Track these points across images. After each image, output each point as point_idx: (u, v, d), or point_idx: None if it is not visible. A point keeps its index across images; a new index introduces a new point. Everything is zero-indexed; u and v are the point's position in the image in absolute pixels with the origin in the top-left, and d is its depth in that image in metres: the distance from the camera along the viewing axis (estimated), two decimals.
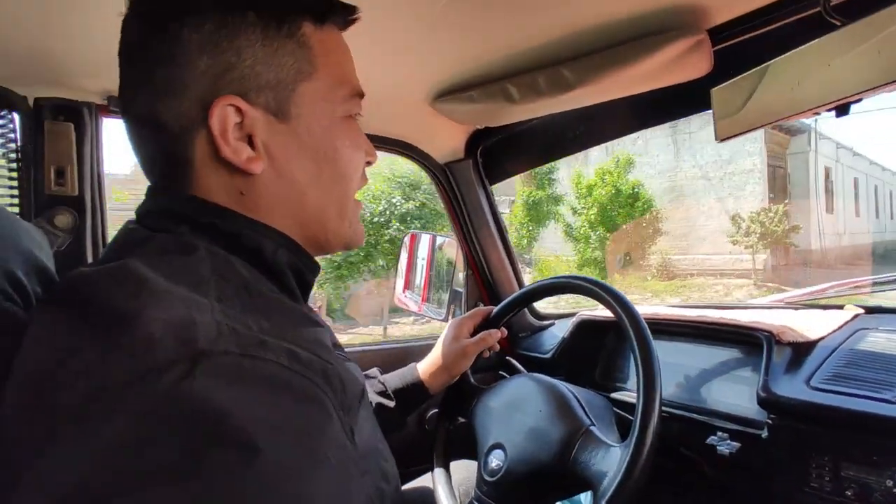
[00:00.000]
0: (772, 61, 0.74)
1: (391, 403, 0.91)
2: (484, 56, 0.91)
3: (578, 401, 0.85)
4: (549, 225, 12.17)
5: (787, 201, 12.85)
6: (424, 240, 1.48)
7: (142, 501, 0.28)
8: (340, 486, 0.37)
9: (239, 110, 0.46)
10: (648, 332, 0.76)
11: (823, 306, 1.06)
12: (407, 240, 1.50)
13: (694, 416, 0.97)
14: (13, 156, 0.87)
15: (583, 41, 0.84)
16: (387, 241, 7.88)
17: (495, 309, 1.03)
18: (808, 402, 0.77)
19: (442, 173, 1.26)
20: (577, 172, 12.31)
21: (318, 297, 8.30)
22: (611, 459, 0.72)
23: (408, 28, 0.80)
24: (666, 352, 1.10)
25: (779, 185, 14.41)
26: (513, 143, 1.21)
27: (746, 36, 0.80)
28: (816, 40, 0.69)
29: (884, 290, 1.04)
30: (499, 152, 1.23)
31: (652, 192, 14.14)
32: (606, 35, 0.83)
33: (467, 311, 1.33)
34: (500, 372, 1.22)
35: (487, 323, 1.03)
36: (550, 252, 13.32)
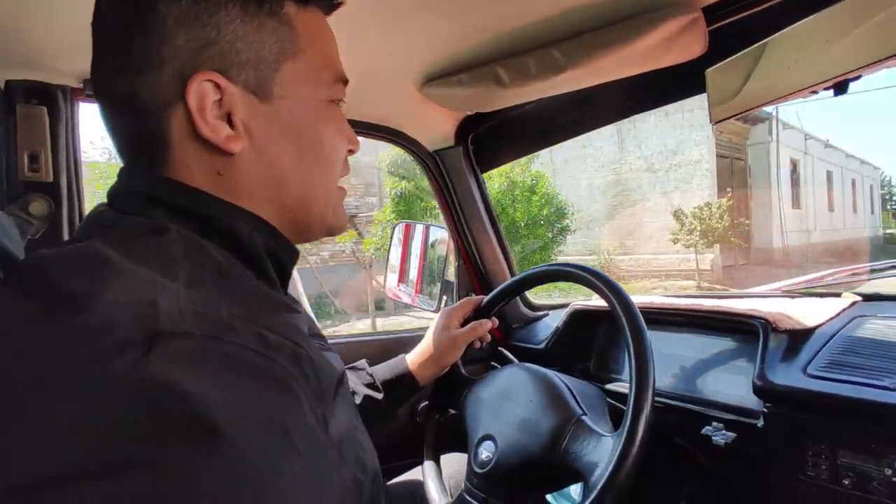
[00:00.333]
0: (767, 39, 0.72)
1: (380, 395, 0.89)
2: (472, 38, 0.89)
3: (570, 390, 0.83)
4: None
5: (729, 191, 11.88)
6: (418, 230, 1.46)
7: (96, 488, 0.27)
8: (310, 474, 0.35)
9: (218, 87, 0.44)
10: (641, 319, 0.74)
11: (820, 294, 1.04)
12: (399, 230, 1.47)
13: (689, 406, 0.95)
14: None
15: (573, 21, 0.82)
16: None
17: (486, 298, 1.01)
18: (805, 389, 0.75)
19: (432, 161, 1.24)
20: None
21: None
22: (602, 450, 0.70)
23: (394, 10, 0.78)
24: (661, 342, 1.09)
25: (737, 178, 13.43)
26: (504, 130, 1.19)
27: (741, 14, 0.78)
28: (813, 16, 0.67)
29: (882, 278, 1.03)
30: (490, 139, 1.21)
31: (596, 187, 13.56)
32: (597, 14, 0.80)
33: (458, 300, 1.31)
34: (493, 363, 1.20)
35: (478, 313, 1.01)
36: None
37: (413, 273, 1.44)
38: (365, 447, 0.57)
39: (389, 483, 1.05)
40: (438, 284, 1.35)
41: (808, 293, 1.08)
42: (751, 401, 0.84)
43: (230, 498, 0.29)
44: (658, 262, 12.42)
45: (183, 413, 0.30)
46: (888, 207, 34.35)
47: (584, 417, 0.77)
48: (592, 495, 0.66)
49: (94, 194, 4.84)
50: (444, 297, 1.37)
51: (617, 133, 13.15)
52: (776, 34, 0.72)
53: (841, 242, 16.99)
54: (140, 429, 0.29)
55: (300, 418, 0.36)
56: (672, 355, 1.06)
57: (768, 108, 13.46)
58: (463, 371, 1.02)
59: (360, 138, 1.10)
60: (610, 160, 13.53)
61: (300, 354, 0.40)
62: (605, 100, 1.03)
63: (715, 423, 0.88)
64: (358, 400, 0.86)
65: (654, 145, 12.73)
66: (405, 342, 1.13)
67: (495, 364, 1.21)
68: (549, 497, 1.04)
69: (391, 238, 1.41)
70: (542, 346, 1.23)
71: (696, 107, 11.39)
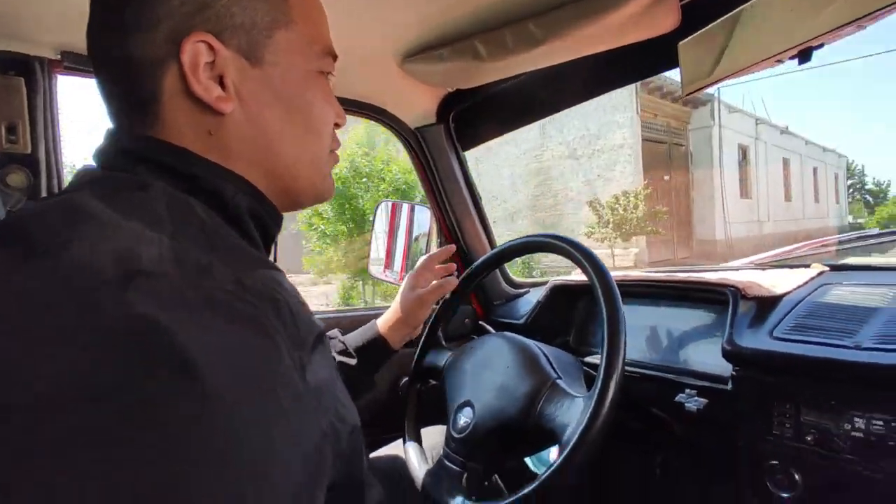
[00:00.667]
0: (736, 10, 0.74)
1: (353, 361, 0.91)
2: (451, 12, 0.89)
3: (546, 356, 0.85)
4: None
5: (666, 179, 11.50)
6: (404, 210, 1.47)
7: (70, 415, 0.28)
8: (286, 413, 0.36)
9: (211, 49, 0.45)
10: (614, 284, 0.76)
11: (791, 266, 1.07)
12: (385, 209, 1.48)
13: (664, 375, 0.98)
14: None
15: None
16: None
17: (462, 277, 1.03)
18: (770, 351, 0.77)
19: (413, 138, 1.25)
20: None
21: None
22: (574, 410, 0.72)
23: None
24: (637, 315, 1.11)
25: (677, 165, 12.55)
26: (485, 108, 1.20)
27: None
28: None
29: (850, 247, 1.06)
30: (471, 117, 1.22)
31: (518, 176, 12.44)
32: None
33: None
34: (473, 337, 1.22)
35: (461, 286, 1.02)
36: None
37: (399, 252, 1.45)
38: (344, 402, 0.58)
39: (372, 455, 1.07)
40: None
41: (780, 265, 1.11)
42: (722, 367, 0.87)
43: (204, 429, 0.30)
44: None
45: (158, 345, 0.30)
46: (858, 196, 34.01)
47: (558, 381, 0.79)
48: (564, 454, 0.68)
49: None
50: None
51: None
52: (745, 5, 0.74)
53: (800, 233, 15.83)
54: (115, 359, 0.29)
55: (277, 361, 0.37)
56: (648, 327, 1.09)
57: (710, 90, 12.58)
58: (444, 343, 1.04)
59: None
60: (531, 147, 12.39)
61: (278, 301, 0.41)
62: (582, 76, 1.05)
63: (688, 391, 0.90)
64: None
65: (576, 129, 11.79)
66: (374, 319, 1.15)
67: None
68: (527, 460, 1.06)
69: (374, 217, 1.41)
70: (522, 320, 1.25)
71: None
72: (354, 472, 0.60)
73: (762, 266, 1.13)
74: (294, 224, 8.58)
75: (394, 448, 1.08)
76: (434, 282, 0.99)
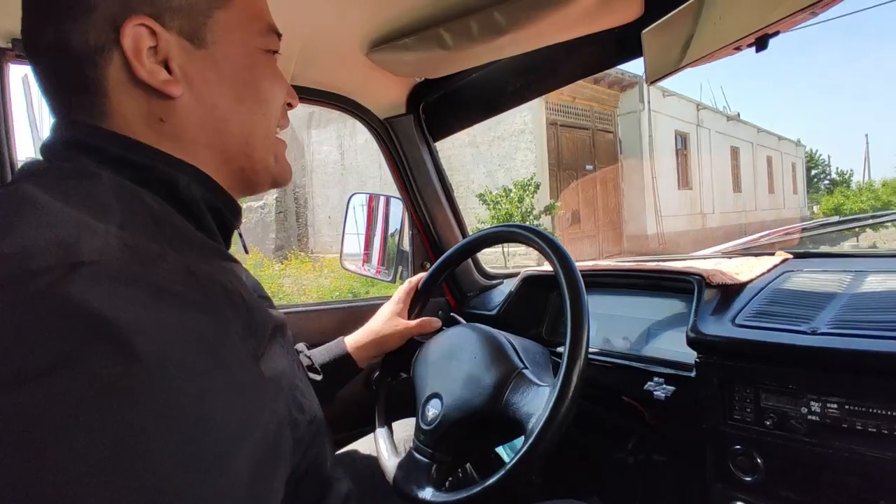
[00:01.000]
0: None
1: (318, 377, 0.91)
2: (415, 1, 0.88)
3: (513, 346, 0.85)
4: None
5: (544, 175, 9.95)
6: (381, 201, 1.46)
7: (7, 398, 0.27)
8: (237, 391, 0.36)
9: (153, 33, 0.44)
10: (578, 273, 0.76)
11: (756, 254, 1.09)
12: (360, 200, 1.47)
13: (633, 364, 0.99)
14: None
15: None
16: None
17: (425, 276, 1.02)
18: (731, 338, 0.79)
19: (383, 129, 1.23)
20: None
21: None
22: (539, 399, 0.73)
23: None
24: (606, 304, 1.12)
25: (603, 152, 11.39)
26: (455, 98, 1.19)
27: None
28: None
29: (813, 234, 1.08)
30: (441, 107, 1.21)
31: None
32: None
33: (414, 271, 1.32)
34: (445, 329, 1.22)
35: (418, 293, 1.02)
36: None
37: (376, 244, 1.45)
38: (305, 393, 0.58)
39: (344, 449, 1.06)
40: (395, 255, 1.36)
41: (745, 253, 1.12)
42: (687, 354, 0.88)
43: (146, 408, 0.30)
44: (484, 259, 10.12)
45: (97, 331, 0.30)
46: (823, 186, 33.75)
47: (524, 371, 0.80)
48: (528, 442, 0.68)
49: None
50: (400, 268, 1.38)
51: None
52: None
53: (751, 225, 14.88)
54: (51, 345, 0.29)
55: (228, 345, 0.37)
56: (617, 316, 1.09)
57: (636, 71, 11.56)
58: (416, 337, 1.03)
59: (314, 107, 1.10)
60: None
61: (230, 290, 0.41)
62: (549, 66, 1.05)
63: (656, 378, 0.91)
64: None
65: None
66: (365, 311, 1.14)
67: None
68: (500, 449, 1.07)
69: (346, 209, 1.40)
70: (494, 311, 1.25)
71: None
72: (319, 464, 0.60)
73: (729, 254, 1.14)
74: None
75: (365, 442, 1.07)
76: (418, 320, 0.99)
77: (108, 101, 0.45)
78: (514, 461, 0.68)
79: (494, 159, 10.65)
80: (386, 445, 0.94)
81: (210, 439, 0.32)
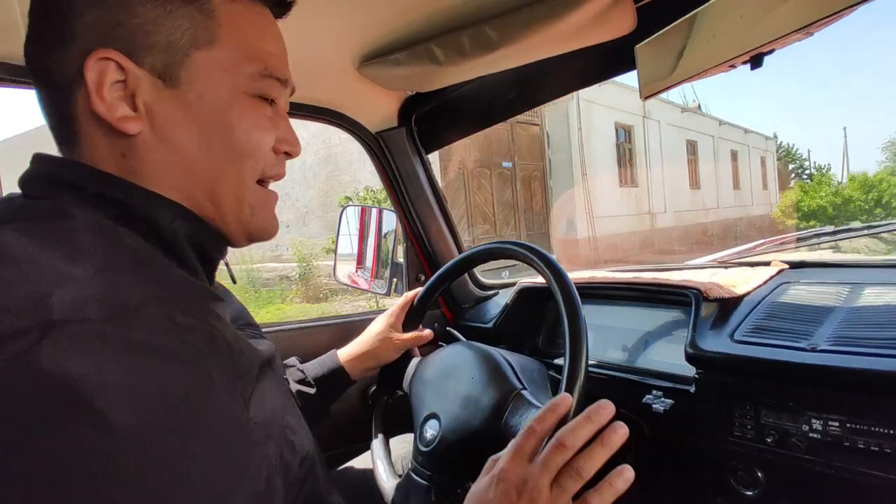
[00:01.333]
0: (690, 13, 0.73)
1: (312, 391, 0.90)
2: (407, 16, 0.87)
3: (511, 366, 0.84)
4: None
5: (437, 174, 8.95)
6: (372, 214, 1.45)
7: None
8: (221, 448, 0.35)
9: (121, 68, 0.44)
10: (574, 289, 0.75)
11: (752, 264, 1.09)
12: (353, 213, 1.46)
13: (632, 377, 0.98)
14: None
15: None
16: None
17: (421, 292, 1.02)
18: (730, 354, 0.78)
19: (375, 143, 1.22)
20: None
21: None
22: None
23: None
24: (604, 316, 1.11)
25: (526, 147, 10.19)
26: (447, 110, 1.18)
27: None
28: None
29: (808, 244, 1.08)
30: (433, 120, 1.20)
31: (309, 167, 10.17)
32: None
33: (409, 284, 1.31)
34: (441, 343, 1.21)
35: (414, 309, 1.02)
36: None
37: (369, 257, 1.44)
38: (296, 429, 0.57)
39: (341, 468, 1.05)
40: (389, 267, 1.35)
41: (741, 263, 1.12)
42: (686, 368, 0.87)
43: (119, 479, 0.29)
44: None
45: (70, 400, 0.29)
46: (804, 179, 32.18)
47: (523, 391, 0.79)
48: None
49: None
50: (395, 280, 1.36)
51: None
52: (699, 8, 0.74)
53: (713, 225, 13.84)
54: (21, 418, 0.28)
55: (210, 397, 0.36)
56: (615, 328, 1.09)
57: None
58: (411, 352, 1.02)
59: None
60: (318, 129, 9.24)
61: (215, 335, 0.40)
62: (541, 78, 1.04)
63: (655, 392, 0.91)
64: None
65: None
66: (358, 326, 1.13)
67: (444, 345, 1.22)
68: None
69: (339, 222, 1.39)
70: (490, 324, 1.24)
71: None
72: (314, 497, 0.59)
73: (725, 264, 1.14)
74: None
75: (362, 460, 1.06)
76: (414, 333, 0.99)
77: (81, 133, 0.45)
78: None
79: None
80: (384, 466, 0.93)
81: (190, 493, 0.32)
